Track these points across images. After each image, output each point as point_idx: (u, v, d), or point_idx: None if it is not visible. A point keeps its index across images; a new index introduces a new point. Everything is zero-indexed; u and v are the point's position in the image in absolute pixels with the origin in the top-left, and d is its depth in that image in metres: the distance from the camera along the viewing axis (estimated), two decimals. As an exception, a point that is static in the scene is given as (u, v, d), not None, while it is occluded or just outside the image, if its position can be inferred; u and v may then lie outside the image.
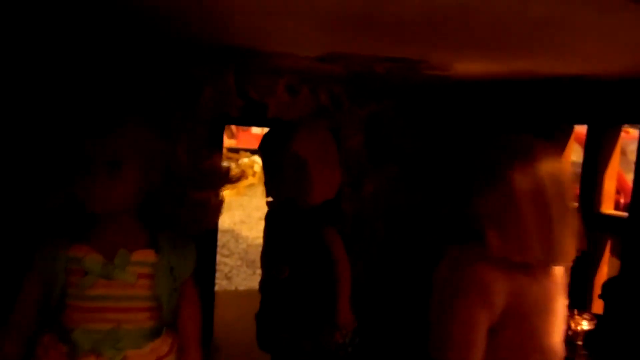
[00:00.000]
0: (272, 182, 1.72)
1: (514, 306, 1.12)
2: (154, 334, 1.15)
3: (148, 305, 1.14)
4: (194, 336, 1.23)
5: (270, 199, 1.79)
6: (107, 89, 1.97)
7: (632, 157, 1.98)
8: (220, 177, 1.18)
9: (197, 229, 1.16)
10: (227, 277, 4.73)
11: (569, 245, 1.14)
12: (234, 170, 1.21)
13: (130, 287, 1.12)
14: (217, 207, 1.18)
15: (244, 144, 13.31)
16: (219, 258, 4.89)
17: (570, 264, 1.19)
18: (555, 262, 1.17)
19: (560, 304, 1.24)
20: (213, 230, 2.52)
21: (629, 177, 2.06)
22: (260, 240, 1.91)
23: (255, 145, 1.79)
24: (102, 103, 1.12)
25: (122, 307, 1.12)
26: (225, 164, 1.22)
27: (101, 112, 1.09)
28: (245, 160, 11.61)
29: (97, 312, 1.10)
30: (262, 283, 1.84)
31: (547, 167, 1.10)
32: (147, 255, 1.14)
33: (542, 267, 1.16)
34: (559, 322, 1.23)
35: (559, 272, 1.24)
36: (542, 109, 2.26)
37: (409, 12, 1.03)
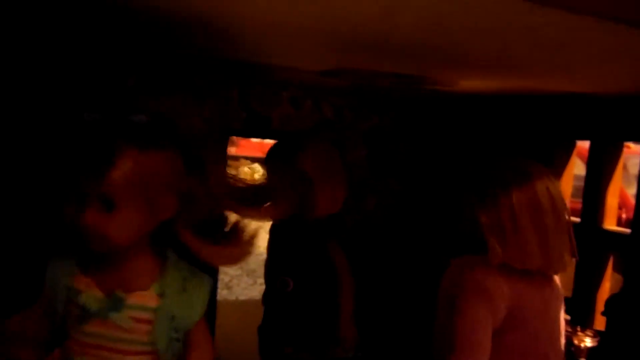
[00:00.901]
0: (276, 196, 1.72)
1: (516, 310, 1.20)
2: None
3: (147, 349, 1.04)
4: None
5: (274, 212, 1.80)
6: (110, 109, 1.91)
7: (634, 170, 1.99)
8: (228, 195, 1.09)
9: (227, 261, 1.09)
10: (228, 287, 4.73)
11: (564, 254, 1.26)
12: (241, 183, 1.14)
13: (125, 331, 1.02)
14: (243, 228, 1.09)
15: (244, 152, 13.30)
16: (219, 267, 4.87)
17: (565, 271, 1.30)
18: (553, 269, 1.27)
19: (560, 313, 1.33)
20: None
21: (631, 192, 2.07)
22: (260, 249, 1.91)
23: (255, 153, 1.79)
24: (99, 129, 1.02)
25: (118, 348, 1.02)
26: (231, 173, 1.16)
27: (96, 143, 0.98)
28: (246, 168, 11.61)
29: (93, 349, 1.02)
30: (266, 296, 1.84)
31: (540, 183, 1.24)
32: (147, 299, 1.03)
33: (542, 276, 1.26)
34: (560, 330, 1.31)
35: (558, 283, 1.34)
36: (545, 123, 2.26)
37: (417, 37, 1.04)
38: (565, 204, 1.28)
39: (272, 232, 1.83)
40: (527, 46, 1.07)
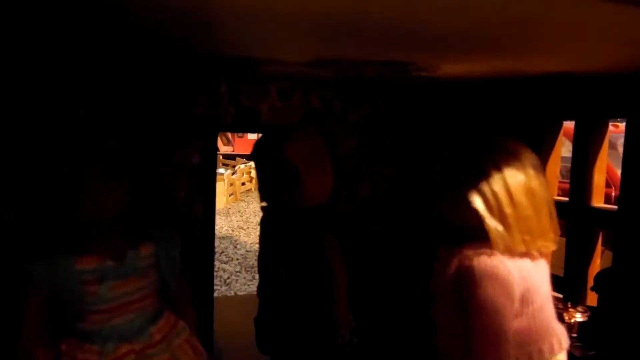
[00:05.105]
0: (265, 188, 1.74)
1: (526, 293, 1.17)
2: (161, 310, 1.38)
3: (156, 289, 1.36)
4: (189, 300, 1.50)
5: (264, 203, 1.81)
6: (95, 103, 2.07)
7: (622, 150, 2.01)
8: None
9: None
10: (227, 283, 4.75)
11: (556, 232, 1.23)
12: None
13: (140, 280, 1.31)
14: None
15: (240, 151, 13.34)
16: (217, 264, 4.92)
17: (556, 248, 1.26)
18: (547, 247, 1.23)
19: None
20: (211, 236, 2.54)
21: (620, 171, 2.09)
22: (257, 246, 1.93)
23: (251, 151, 1.80)
24: (94, 122, 1.31)
25: (138, 297, 1.30)
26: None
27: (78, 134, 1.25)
28: (241, 166, 11.65)
29: (119, 308, 1.27)
30: (260, 287, 1.86)
31: (528, 162, 1.19)
32: (149, 248, 1.34)
33: (538, 256, 1.23)
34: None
35: (544, 259, 1.31)
36: (531, 105, 2.29)
37: (391, 20, 1.06)
38: (547, 181, 1.26)
39: (263, 223, 1.85)
40: (499, 25, 1.08)
